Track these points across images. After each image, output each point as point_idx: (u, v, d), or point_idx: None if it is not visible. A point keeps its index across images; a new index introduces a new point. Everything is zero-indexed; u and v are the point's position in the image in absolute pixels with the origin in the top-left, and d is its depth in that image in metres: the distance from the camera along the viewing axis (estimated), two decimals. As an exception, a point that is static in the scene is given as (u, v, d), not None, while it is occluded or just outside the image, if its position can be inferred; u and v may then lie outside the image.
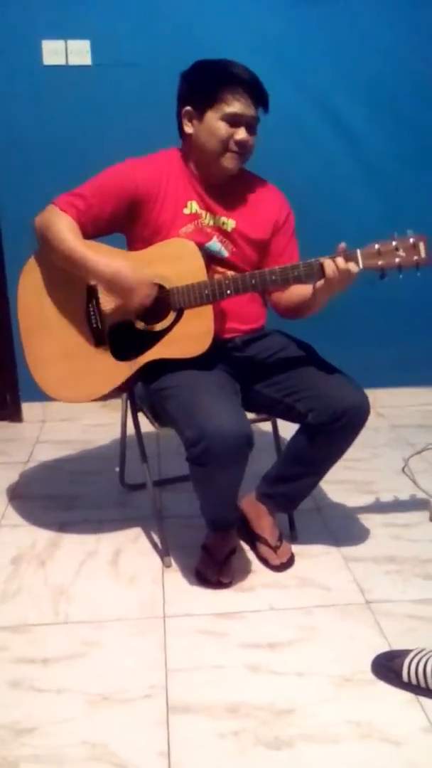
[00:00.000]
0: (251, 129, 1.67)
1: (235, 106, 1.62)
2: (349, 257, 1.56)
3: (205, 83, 1.65)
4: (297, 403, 1.73)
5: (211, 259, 1.72)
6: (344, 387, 1.71)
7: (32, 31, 2.50)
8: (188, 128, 1.70)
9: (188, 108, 1.69)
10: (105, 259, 1.66)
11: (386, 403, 3.03)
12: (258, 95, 1.65)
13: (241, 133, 1.65)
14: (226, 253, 1.77)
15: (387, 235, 1.56)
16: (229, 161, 1.68)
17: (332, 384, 1.72)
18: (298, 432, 1.78)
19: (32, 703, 1.40)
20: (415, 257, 1.54)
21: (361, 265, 1.56)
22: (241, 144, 1.66)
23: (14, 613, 1.69)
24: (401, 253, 1.54)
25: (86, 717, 1.37)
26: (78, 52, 2.53)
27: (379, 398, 2.97)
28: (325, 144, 2.72)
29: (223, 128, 1.64)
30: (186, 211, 1.73)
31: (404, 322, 2.94)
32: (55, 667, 1.51)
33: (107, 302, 1.73)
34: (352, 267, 1.55)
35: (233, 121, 1.64)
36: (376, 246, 1.55)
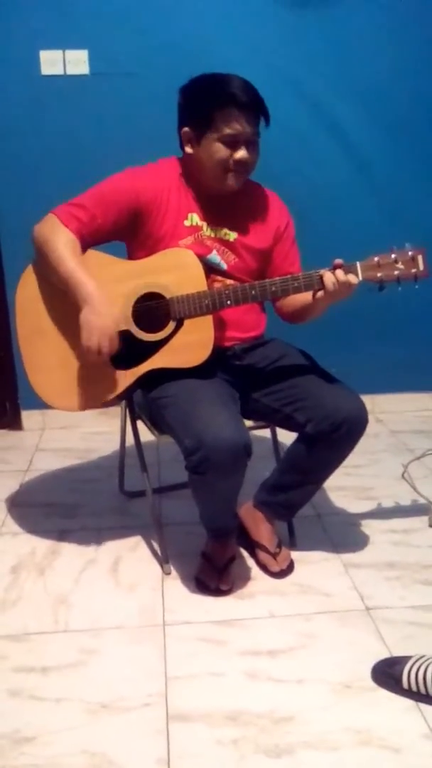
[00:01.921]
0: (251, 146, 1.66)
1: (232, 127, 1.61)
2: (349, 269, 1.58)
3: (200, 106, 1.64)
4: (296, 413, 1.73)
5: (212, 270, 1.73)
6: (343, 396, 1.71)
7: (30, 41, 2.51)
8: (188, 149, 1.70)
9: (186, 130, 1.68)
10: (98, 294, 1.64)
11: (385, 409, 3.03)
12: (255, 111, 1.63)
13: (240, 153, 1.64)
14: (225, 266, 1.78)
15: (387, 244, 1.58)
16: (230, 180, 1.68)
17: (331, 393, 1.72)
18: (297, 441, 1.79)
19: (31, 712, 1.40)
20: (414, 270, 1.57)
21: (360, 277, 1.58)
22: (241, 163, 1.65)
23: (14, 622, 1.69)
24: (400, 265, 1.56)
25: (86, 726, 1.37)
26: (76, 62, 2.54)
27: (378, 404, 2.98)
28: (324, 153, 2.72)
29: (222, 150, 1.63)
30: (186, 223, 1.74)
31: (403, 327, 2.94)
32: (55, 675, 1.51)
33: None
34: (352, 279, 1.57)
35: (231, 141, 1.63)
36: (376, 258, 1.57)
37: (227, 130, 1.62)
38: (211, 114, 1.61)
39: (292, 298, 1.76)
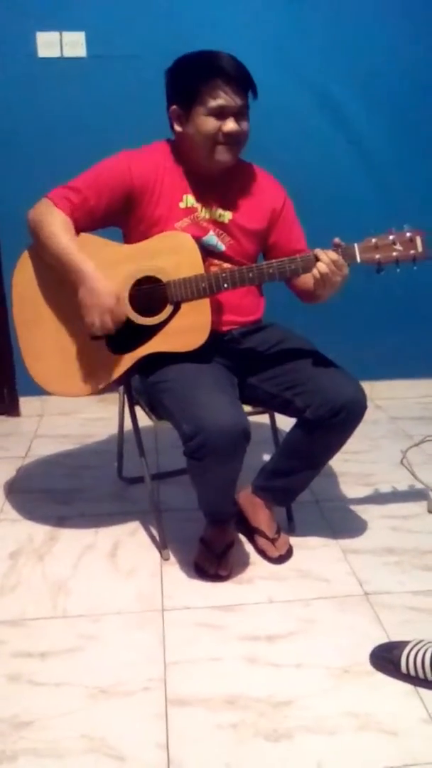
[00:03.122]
0: (240, 117, 1.64)
1: (219, 99, 1.60)
2: (347, 251, 1.57)
3: (185, 81, 1.63)
4: (295, 398, 1.72)
5: (208, 253, 1.72)
6: (342, 382, 1.70)
7: (26, 22, 2.48)
8: (178, 127, 1.68)
9: (174, 107, 1.67)
10: (92, 269, 1.64)
11: (385, 395, 3.03)
12: (241, 82, 1.62)
13: (229, 125, 1.62)
14: (222, 247, 1.76)
15: (385, 228, 1.57)
16: (221, 154, 1.66)
17: (330, 379, 1.71)
18: (296, 426, 1.78)
19: (31, 697, 1.41)
20: (412, 251, 1.56)
21: (358, 259, 1.58)
22: (231, 135, 1.63)
23: (12, 607, 1.69)
24: (398, 247, 1.56)
25: (85, 710, 1.37)
26: (73, 44, 2.51)
27: (377, 390, 2.97)
28: (323, 137, 2.70)
29: (210, 123, 1.62)
30: (182, 204, 1.72)
31: (402, 314, 2.93)
32: (54, 660, 1.51)
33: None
34: (333, 256, 1.56)
35: (219, 113, 1.61)
36: (374, 240, 1.57)
37: (214, 103, 1.60)
38: (198, 88, 1.60)
39: (304, 277, 1.73)
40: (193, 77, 1.62)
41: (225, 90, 1.60)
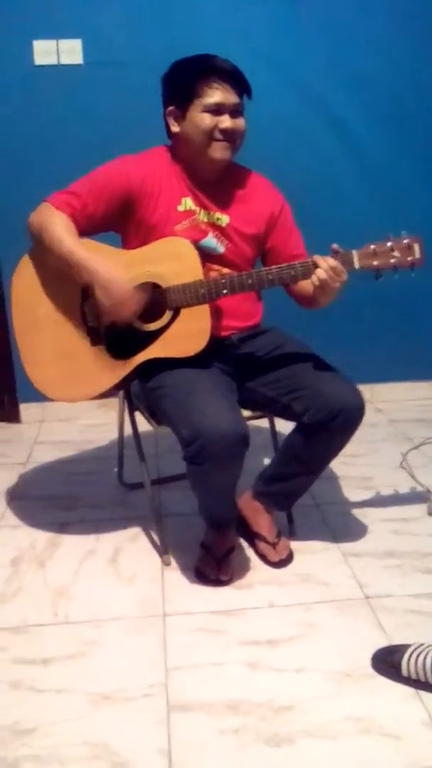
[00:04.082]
0: (236, 114, 1.67)
1: (215, 96, 1.63)
2: (346, 258, 1.58)
3: (182, 80, 1.66)
4: (293, 402, 1.73)
5: (207, 257, 1.72)
6: (340, 386, 1.71)
7: (23, 31, 2.50)
8: (174, 127, 1.70)
9: (171, 108, 1.69)
10: (102, 263, 1.66)
11: (384, 398, 3.03)
12: (236, 81, 1.65)
13: (225, 121, 1.65)
14: (222, 249, 1.77)
15: (383, 233, 1.58)
16: (217, 151, 1.67)
17: (328, 383, 1.72)
18: (294, 430, 1.78)
19: (32, 704, 1.41)
20: (410, 258, 1.58)
21: (357, 266, 1.58)
22: (227, 132, 1.65)
23: (14, 614, 1.69)
24: (396, 253, 1.57)
25: (86, 717, 1.37)
26: (69, 52, 2.52)
27: (377, 393, 2.97)
28: (321, 142, 2.71)
29: (206, 119, 1.64)
30: (180, 208, 1.73)
31: (402, 316, 2.94)
32: (55, 667, 1.51)
33: (103, 301, 1.72)
34: (331, 263, 1.57)
35: (215, 110, 1.64)
36: (372, 247, 1.58)
37: (210, 99, 1.63)
38: (194, 84, 1.63)
39: (303, 284, 1.74)
40: (189, 75, 1.65)
41: (221, 86, 1.63)
